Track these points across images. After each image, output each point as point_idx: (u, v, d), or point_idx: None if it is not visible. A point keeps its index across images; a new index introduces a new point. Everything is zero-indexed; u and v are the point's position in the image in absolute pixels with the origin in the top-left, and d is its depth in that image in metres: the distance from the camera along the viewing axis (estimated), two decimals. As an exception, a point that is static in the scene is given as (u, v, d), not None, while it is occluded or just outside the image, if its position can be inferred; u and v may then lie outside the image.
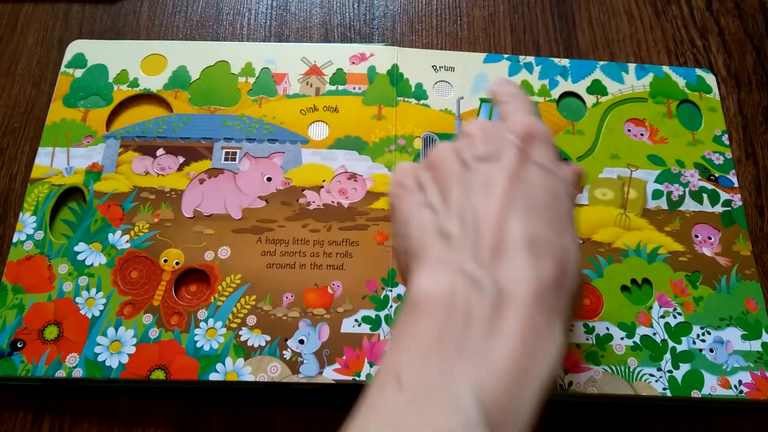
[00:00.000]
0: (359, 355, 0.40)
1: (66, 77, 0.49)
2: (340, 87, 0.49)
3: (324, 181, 0.45)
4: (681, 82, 0.52)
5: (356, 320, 0.41)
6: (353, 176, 0.46)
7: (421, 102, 0.49)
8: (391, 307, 0.42)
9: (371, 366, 0.40)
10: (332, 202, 0.45)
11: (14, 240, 0.43)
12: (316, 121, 0.48)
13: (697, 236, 0.46)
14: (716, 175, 0.49)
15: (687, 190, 0.48)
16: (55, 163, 0.46)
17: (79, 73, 0.49)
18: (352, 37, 0.54)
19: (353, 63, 0.50)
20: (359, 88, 0.49)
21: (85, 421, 0.40)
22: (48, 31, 0.53)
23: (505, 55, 0.52)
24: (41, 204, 0.44)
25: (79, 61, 0.50)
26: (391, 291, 0.42)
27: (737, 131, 0.52)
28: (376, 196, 0.45)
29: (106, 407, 0.40)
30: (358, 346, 0.40)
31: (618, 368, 0.41)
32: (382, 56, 0.50)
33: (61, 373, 0.39)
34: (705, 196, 0.48)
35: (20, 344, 0.40)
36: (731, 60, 0.55)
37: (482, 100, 0.49)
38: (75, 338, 0.40)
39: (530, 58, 0.52)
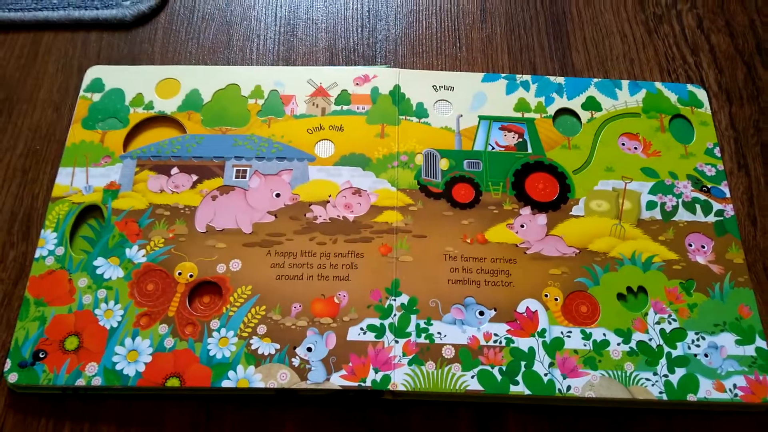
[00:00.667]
0: (365, 362, 0.42)
1: (84, 101, 0.52)
2: (345, 107, 0.51)
3: (330, 196, 0.48)
4: (673, 97, 0.54)
5: (361, 329, 0.43)
6: (358, 191, 0.48)
7: (422, 120, 0.51)
8: (394, 315, 0.43)
9: (376, 372, 0.41)
10: (338, 216, 0.47)
11: (36, 255, 0.45)
12: (322, 140, 0.50)
13: (690, 245, 0.48)
14: (708, 186, 0.50)
15: (680, 200, 0.49)
16: (75, 182, 0.48)
17: (97, 97, 0.52)
18: (356, 60, 0.56)
19: (357, 84, 0.52)
20: (363, 108, 0.51)
21: (104, 427, 0.41)
22: (68, 58, 0.56)
23: (503, 75, 0.54)
24: (62, 221, 0.46)
25: (97, 85, 0.52)
26: (394, 300, 0.44)
27: (729, 144, 0.53)
28: (380, 210, 0.47)
29: (123, 414, 0.42)
30: (364, 353, 0.42)
31: (615, 373, 0.43)
32: (385, 78, 0.53)
33: (81, 382, 0.41)
34: (698, 206, 0.49)
35: (42, 354, 0.42)
36: (722, 75, 0.57)
37: (481, 118, 0.51)
38: (94, 348, 0.42)
39: (527, 77, 0.54)
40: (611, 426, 0.43)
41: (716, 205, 0.49)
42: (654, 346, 0.44)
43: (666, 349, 0.44)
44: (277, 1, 0.60)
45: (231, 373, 0.41)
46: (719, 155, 0.52)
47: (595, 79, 0.54)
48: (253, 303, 0.43)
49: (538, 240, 0.47)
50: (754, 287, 0.46)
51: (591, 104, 0.53)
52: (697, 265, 0.47)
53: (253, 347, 0.42)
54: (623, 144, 0.52)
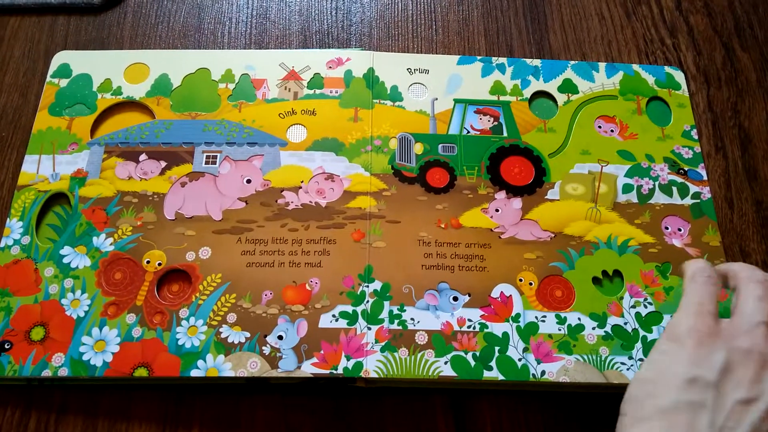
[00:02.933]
0: (336, 349, 0.41)
1: (51, 87, 0.50)
2: (318, 91, 0.50)
3: (302, 181, 0.47)
4: (650, 79, 0.53)
5: (334, 316, 0.42)
6: (330, 176, 0.47)
7: (397, 104, 0.50)
8: (367, 302, 0.43)
9: (348, 360, 0.41)
10: (310, 201, 0.46)
11: (1, 245, 0.44)
12: (294, 124, 0.49)
13: (667, 228, 0.47)
14: (685, 168, 0.50)
15: (657, 183, 0.49)
16: (41, 170, 0.47)
17: (64, 82, 0.51)
18: (330, 44, 0.55)
19: (330, 67, 0.51)
20: (336, 92, 0.50)
21: (71, 417, 0.41)
22: (34, 42, 0.55)
23: (478, 57, 0.53)
24: (28, 209, 0.45)
25: (64, 71, 0.51)
26: (367, 287, 0.43)
27: (707, 126, 0.53)
28: (353, 195, 0.46)
29: (91, 404, 0.41)
30: (336, 340, 0.41)
31: (590, 357, 0.42)
32: (359, 60, 0.52)
33: (47, 373, 0.40)
34: (674, 189, 0.49)
35: (7, 345, 0.41)
36: (700, 57, 0.56)
37: (456, 101, 0.51)
38: (61, 338, 0.41)
39: (503, 60, 0.53)
40: (586, 411, 0.42)
41: (693, 188, 0.49)
42: (629, 330, 0.43)
43: (641, 332, 0.43)
44: (250, -16, 0.59)
45: (200, 362, 0.40)
46: (696, 137, 0.51)
47: (572, 62, 0.54)
48: (223, 291, 0.43)
49: (512, 224, 0.47)
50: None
51: (567, 87, 0.52)
52: (673, 248, 0.47)
53: (222, 336, 0.41)
54: (600, 127, 0.51)
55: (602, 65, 0.54)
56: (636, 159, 0.50)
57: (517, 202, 0.47)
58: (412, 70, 0.52)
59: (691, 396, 0.31)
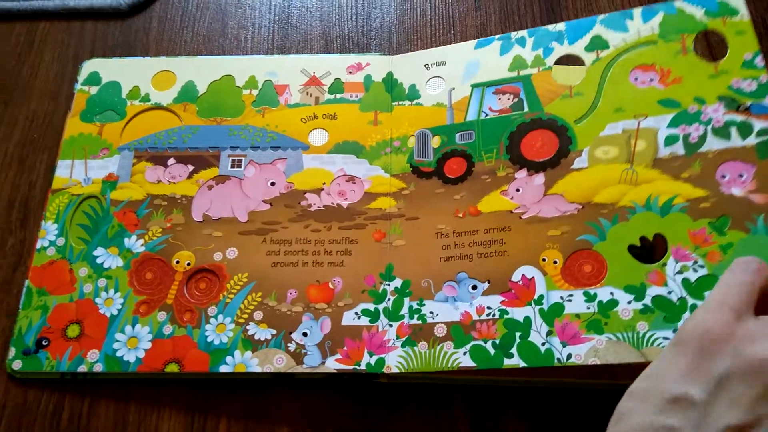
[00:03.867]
0: (359, 345, 0.43)
1: (82, 94, 0.52)
2: (338, 95, 0.52)
3: (324, 183, 0.48)
4: (698, 12, 0.46)
5: (356, 313, 0.44)
6: (352, 179, 0.48)
7: (414, 102, 0.51)
8: (388, 300, 0.44)
9: (371, 356, 0.42)
10: (332, 203, 0.48)
11: (38, 246, 0.46)
12: (316, 128, 0.51)
13: (723, 176, 0.41)
14: (748, 103, 0.42)
15: (709, 128, 0.42)
16: (74, 174, 0.49)
17: (94, 90, 0.52)
18: (350, 48, 0.57)
19: (350, 72, 0.53)
20: (356, 96, 0.52)
21: (102, 410, 0.43)
22: (63, 47, 0.57)
23: (497, 36, 0.51)
24: (62, 212, 0.47)
25: (94, 78, 0.53)
26: (388, 285, 0.45)
27: (774, 48, 0.48)
28: (374, 196, 0.48)
29: (122, 397, 0.43)
30: (358, 337, 0.43)
31: (625, 335, 0.39)
32: (378, 65, 0.53)
33: (82, 368, 0.42)
34: (733, 129, 0.42)
35: (45, 342, 0.43)
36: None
37: (474, 86, 0.49)
38: (95, 335, 0.43)
39: (522, 32, 0.50)
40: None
41: (758, 124, 0.41)
42: (675, 299, 0.38)
43: (690, 301, 0.38)
44: (271, -10, 0.60)
45: (228, 359, 0.42)
46: (761, 65, 0.43)
47: (601, 16, 0.48)
48: (249, 290, 0.44)
49: (535, 202, 0.44)
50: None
51: (597, 44, 0.47)
52: (732, 198, 0.40)
53: (249, 333, 0.43)
54: (636, 79, 0.45)
55: (637, 11, 0.47)
56: (681, 105, 0.43)
57: (539, 178, 0.45)
58: (430, 65, 0.52)
59: (668, 419, 0.26)
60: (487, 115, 0.48)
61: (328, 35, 0.58)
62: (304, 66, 0.53)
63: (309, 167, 0.49)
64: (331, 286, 0.45)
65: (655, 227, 0.41)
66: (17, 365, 0.43)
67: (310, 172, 0.49)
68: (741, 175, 0.41)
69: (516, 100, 0.48)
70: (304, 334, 0.43)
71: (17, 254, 0.47)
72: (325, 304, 0.44)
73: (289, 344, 0.43)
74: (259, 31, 0.58)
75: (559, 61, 0.48)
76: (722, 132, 0.42)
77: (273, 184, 0.48)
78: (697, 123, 0.43)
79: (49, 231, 0.47)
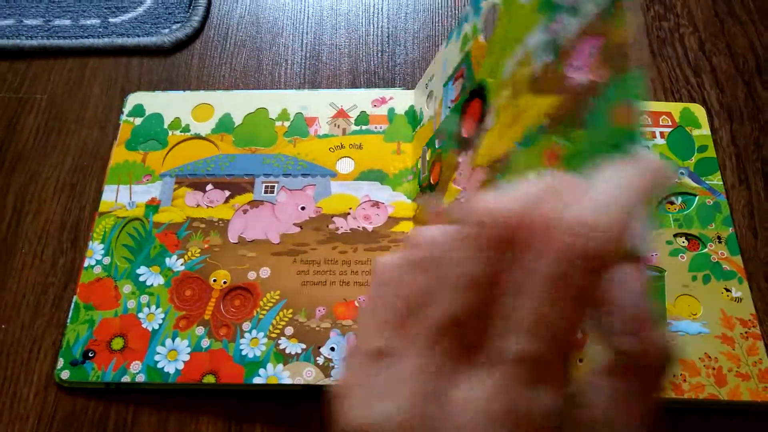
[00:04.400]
0: (383, 361, 0.45)
1: (127, 125, 0.56)
2: (364, 127, 0.56)
3: (350, 208, 0.52)
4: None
5: (380, 331, 0.46)
6: (376, 204, 0.52)
7: (420, 126, 0.53)
8: (410, 319, 0.47)
9: (393, 371, 0.45)
10: (358, 226, 0.51)
11: (85, 265, 0.50)
12: (343, 157, 0.54)
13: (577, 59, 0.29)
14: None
15: None
16: (120, 198, 0.53)
17: (138, 121, 0.57)
18: (376, 83, 0.61)
19: (375, 106, 0.57)
20: (380, 128, 0.55)
21: (145, 418, 0.46)
22: (112, 81, 0.61)
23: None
24: (108, 234, 0.51)
25: (138, 110, 0.57)
26: (410, 305, 0.47)
27: (730, 159, 0.56)
28: (397, 220, 0.51)
29: (162, 407, 0.46)
30: (382, 353, 0.46)
31: None
32: (400, 99, 0.57)
33: (126, 378, 0.45)
34: None
35: (91, 354, 0.46)
36: (723, 95, 0.60)
37: (444, 86, 0.48)
38: (138, 348, 0.46)
39: (467, 7, 0.45)
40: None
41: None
42: None
43: None
44: (303, 28, 0.65)
45: (261, 371, 0.45)
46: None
47: None
48: (281, 307, 0.47)
49: (466, 182, 0.40)
50: (754, 297, 0.49)
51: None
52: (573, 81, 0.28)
53: (281, 347, 0.46)
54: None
55: None
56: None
57: (463, 155, 0.41)
58: (427, 85, 0.54)
59: None
60: (449, 108, 0.46)
61: (355, 70, 0.62)
62: (333, 100, 0.57)
63: (336, 193, 0.52)
64: (357, 303, 0.48)
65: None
66: (65, 375, 0.46)
67: (337, 198, 0.52)
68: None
69: (464, 82, 0.44)
70: (332, 349, 0.46)
71: (67, 272, 0.51)
72: (351, 320, 0.47)
73: (317, 358, 0.46)
74: (291, 67, 0.62)
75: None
76: None
77: (303, 208, 0.52)
78: None
79: (95, 251, 0.51)
